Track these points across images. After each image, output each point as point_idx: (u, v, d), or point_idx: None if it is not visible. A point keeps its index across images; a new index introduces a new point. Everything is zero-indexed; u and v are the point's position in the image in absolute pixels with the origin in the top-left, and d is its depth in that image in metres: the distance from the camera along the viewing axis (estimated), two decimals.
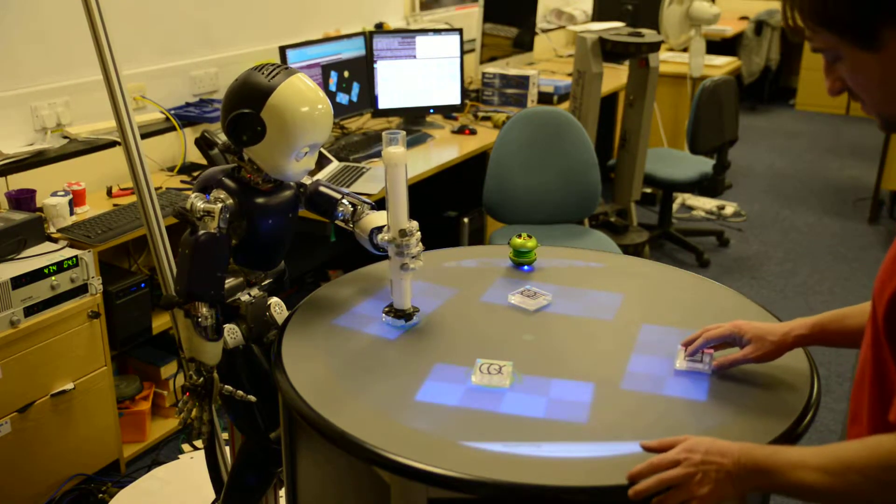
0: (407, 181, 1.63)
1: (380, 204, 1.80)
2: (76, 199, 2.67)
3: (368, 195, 2.62)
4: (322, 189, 1.77)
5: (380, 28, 4.19)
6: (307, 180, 1.75)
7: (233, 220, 1.61)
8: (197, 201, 1.57)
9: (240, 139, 1.57)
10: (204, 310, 1.57)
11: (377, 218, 1.75)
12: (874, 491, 1.04)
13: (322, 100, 1.59)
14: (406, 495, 1.26)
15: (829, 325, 1.37)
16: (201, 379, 1.61)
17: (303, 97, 1.56)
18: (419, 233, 1.65)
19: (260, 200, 1.64)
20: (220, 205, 1.57)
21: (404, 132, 1.62)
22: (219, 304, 1.61)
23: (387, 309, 1.68)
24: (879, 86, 1.03)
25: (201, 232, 1.55)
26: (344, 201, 1.77)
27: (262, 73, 1.57)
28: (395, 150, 1.60)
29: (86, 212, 2.70)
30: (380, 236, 1.68)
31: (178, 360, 2.87)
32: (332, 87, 3.48)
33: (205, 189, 1.64)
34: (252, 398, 1.65)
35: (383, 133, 1.61)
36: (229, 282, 1.67)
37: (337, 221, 1.79)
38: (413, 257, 1.64)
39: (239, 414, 1.75)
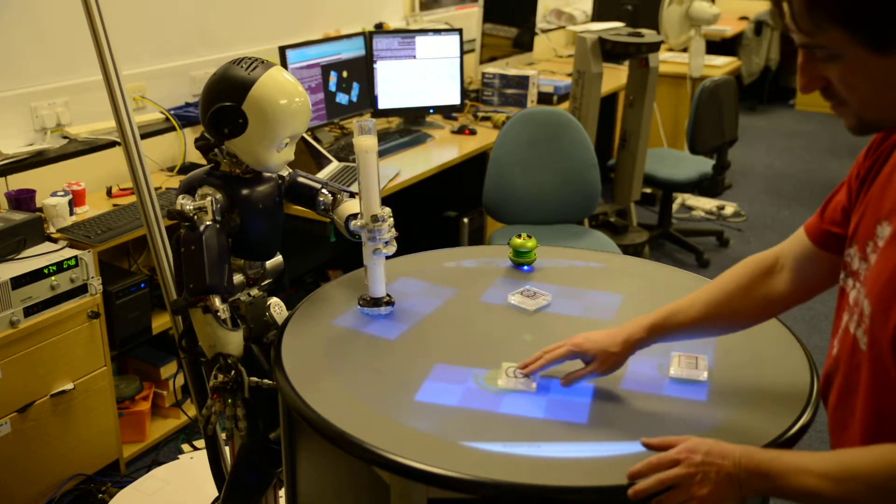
0: (378, 168, 1.65)
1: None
2: (76, 200, 2.67)
3: None
4: (300, 179, 1.80)
5: (380, 28, 4.19)
6: (284, 171, 1.78)
7: (225, 214, 1.63)
8: (185, 202, 1.59)
9: (221, 132, 1.59)
10: (218, 302, 1.59)
11: (354, 205, 1.77)
12: (877, 499, 1.03)
13: (301, 92, 1.62)
14: (406, 495, 1.26)
15: (664, 324, 1.42)
16: (232, 373, 1.61)
17: (283, 89, 1.59)
18: (392, 219, 1.67)
19: (245, 192, 1.66)
20: (209, 198, 1.60)
21: (374, 120, 1.64)
22: (228, 296, 1.62)
23: (361, 300, 1.70)
24: (877, 90, 1.00)
25: (203, 227, 1.56)
26: (324, 191, 1.79)
27: (241, 67, 1.59)
28: (366, 138, 1.62)
29: (86, 212, 2.70)
30: (353, 223, 1.70)
31: (178, 361, 2.87)
32: (332, 87, 3.48)
33: (188, 191, 1.66)
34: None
35: (354, 121, 1.63)
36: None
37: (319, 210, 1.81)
38: (386, 243, 1.66)
39: None
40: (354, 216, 1.72)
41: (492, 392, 1.43)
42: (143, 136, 2.56)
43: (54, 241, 2.50)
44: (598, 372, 1.43)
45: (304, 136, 3.10)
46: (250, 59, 1.61)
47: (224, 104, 1.57)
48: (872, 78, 1.00)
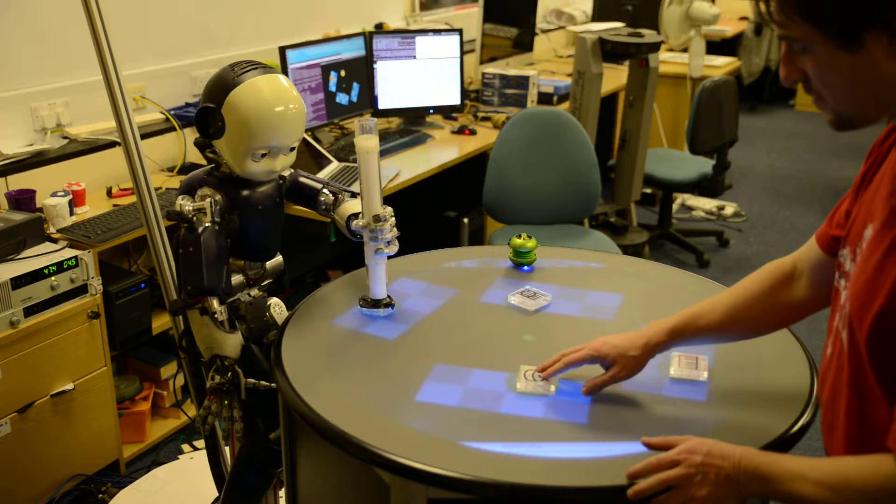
0: (379, 168, 1.65)
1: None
2: (76, 200, 2.67)
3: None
4: (301, 179, 1.79)
5: (380, 28, 4.19)
6: (286, 172, 1.76)
7: (224, 215, 1.63)
8: (185, 203, 1.59)
9: (207, 132, 1.60)
10: (216, 304, 1.59)
11: (355, 205, 1.76)
12: None
13: (285, 101, 1.58)
14: (406, 495, 1.26)
15: (686, 328, 1.41)
16: (229, 374, 1.61)
17: (261, 98, 1.56)
18: (393, 218, 1.67)
19: (245, 192, 1.66)
20: (208, 199, 1.60)
21: (376, 120, 1.64)
22: (227, 298, 1.62)
23: (362, 301, 1.70)
24: (848, 86, 1.01)
25: (201, 228, 1.56)
26: (325, 191, 1.78)
27: (233, 70, 1.59)
28: (367, 138, 1.62)
29: (86, 212, 2.70)
30: (354, 222, 1.69)
31: (178, 361, 2.87)
32: (332, 88, 3.48)
33: (188, 192, 1.66)
34: (274, 385, 1.65)
35: (356, 121, 1.63)
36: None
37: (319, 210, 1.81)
38: (388, 242, 1.65)
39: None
40: (356, 216, 1.71)
41: (517, 395, 1.43)
42: (143, 137, 2.56)
43: (54, 241, 2.50)
44: (619, 377, 1.41)
45: (305, 136, 3.10)
46: (249, 63, 1.60)
47: (207, 105, 1.58)
48: (842, 73, 1.01)
